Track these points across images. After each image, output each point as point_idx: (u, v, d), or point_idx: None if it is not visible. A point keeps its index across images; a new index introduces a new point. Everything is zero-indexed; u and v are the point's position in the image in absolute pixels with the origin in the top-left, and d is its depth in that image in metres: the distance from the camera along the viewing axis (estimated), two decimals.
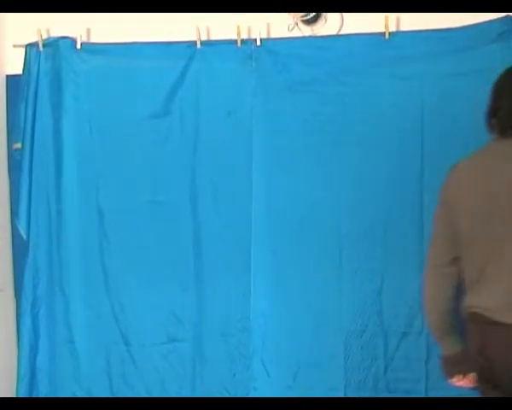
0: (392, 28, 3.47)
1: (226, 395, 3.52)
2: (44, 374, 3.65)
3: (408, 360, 3.43)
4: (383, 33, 3.44)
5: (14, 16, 3.70)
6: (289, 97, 3.52)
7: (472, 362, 2.53)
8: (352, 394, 3.42)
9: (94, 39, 3.69)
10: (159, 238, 3.60)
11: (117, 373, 3.63)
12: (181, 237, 3.59)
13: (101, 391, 3.61)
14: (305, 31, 3.58)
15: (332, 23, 3.57)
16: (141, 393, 3.59)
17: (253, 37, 3.55)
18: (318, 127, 3.50)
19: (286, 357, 3.51)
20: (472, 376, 2.60)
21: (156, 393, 3.58)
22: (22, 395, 3.60)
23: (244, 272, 3.51)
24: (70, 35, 3.64)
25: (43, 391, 3.64)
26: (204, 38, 3.60)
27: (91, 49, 3.64)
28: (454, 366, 2.63)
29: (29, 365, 3.63)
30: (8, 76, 3.76)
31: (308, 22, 3.56)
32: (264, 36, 3.57)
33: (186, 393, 3.56)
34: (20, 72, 3.66)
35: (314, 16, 3.54)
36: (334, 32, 3.56)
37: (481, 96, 3.38)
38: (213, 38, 3.62)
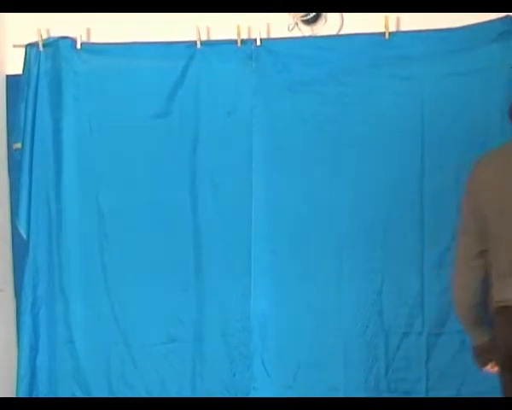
0: (392, 28, 3.47)
1: (226, 394, 3.52)
2: (44, 374, 3.65)
3: (408, 360, 3.43)
4: (383, 33, 3.44)
5: (14, 16, 3.70)
6: (289, 97, 3.52)
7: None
8: (352, 394, 3.42)
9: (94, 39, 3.69)
10: (159, 238, 3.59)
11: (117, 373, 3.63)
12: (181, 237, 3.59)
13: (101, 391, 3.61)
14: (305, 31, 3.58)
15: (332, 23, 3.57)
16: (141, 393, 3.58)
17: (253, 37, 3.55)
18: (318, 127, 3.50)
19: (286, 357, 3.51)
20: None
21: (156, 393, 3.58)
22: (22, 395, 3.60)
23: (244, 272, 3.52)
24: (70, 35, 3.64)
25: (43, 391, 3.64)
26: (204, 38, 3.60)
27: (91, 49, 3.64)
28: (483, 354, 2.65)
29: (29, 365, 3.63)
30: (8, 76, 3.76)
31: (308, 22, 3.56)
32: (264, 36, 3.58)
33: (186, 393, 3.56)
34: (20, 72, 3.66)
35: (314, 16, 3.54)
36: (334, 32, 3.57)
37: (481, 95, 3.41)
38: (213, 38, 3.63)
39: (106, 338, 3.62)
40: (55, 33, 3.66)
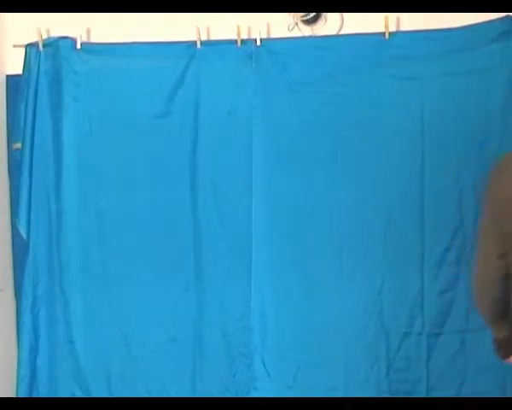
0: (392, 28, 3.47)
1: (226, 394, 3.52)
2: (44, 374, 3.65)
3: (409, 360, 3.43)
4: (383, 33, 3.44)
5: (14, 16, 3.70)
6: (289, 97, 3.52)
7: None
8: (352, 394, 3.42)
9: (94, 39, 3.69)
10: (159, 238, 3.59)
11: (117, 373, 3.63)
12: (181, 237, 3.59)
13: (101, 391, 3.61)
14: (305, 31, 3.58)
15: (332, 23, 3.58)
16: (141, 393, 3.58)
17: (253, 37, 3.55)
18: (318, 127, 3.50)
19: (286, 357, 3.51)
20: None
21: (156, 393, 3.58)
22: (22, 395, 3.60)
23: (244, 272, 3.52)
24: (70, 35, 3.63)
25: (43, 391, 3.64)
26: (204, 38, 3.60)
27: (91, 49, 3.64)
28: (504, 347, 2.71)
29: (29, 365, 3.62)
30: (8, 76, 3.76)
31: (308, 22, 3.56)
32: (264, 36, 3.58)
33: (186, 393, 3.56)
34: (20, 72, 3.66)
35: (314, 16, 3.54)
36: (334, 32, 3.57)
37: (481, 96, 3.41)
38: (213, 38, 3.63)
39: (106, 338, 3.62)
40: (55, 33, 3.66)
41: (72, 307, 3.63)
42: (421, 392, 3.40)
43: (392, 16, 3.46)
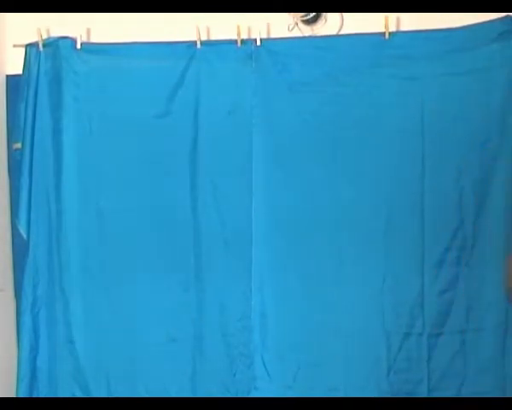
0: (392, 28, 3.48)
1: (226, 394, 3.52)
2: (44, 374, 3.64)
3: (410, 361, 3.43)
4: (383, 33, 3.44)
5: (14, 16, 3.70)
6: (289, 97, 3.52)
7: None
8: (352, 394, 3.41)
9: (94, 39, 3.69)
10: (159, 238, 3.59)
11: (117, 373, 3.62)
12: (181, 237, 3.58)
13: (100, 391, 3.61)
14: (305, 31, 3.58)
15: (332, 23, 3.58)
16: (141, 393, 3.58)
17: (253, 37, 3.55)
18: (318, 127, 3.50)
19: (286, 357, 3.51)
20: None
21: (156, 393, 3.57)
22: (22, 395, 3.59)
23: (244, 272, 3.51)
24: (70, 35, 3.63)
25: (43, 391, 3.63)
26: (204, 38, 3.60)
27: (91, 49, 3.64)
28: None
29: (29, 365, 3.62)
30: (8, 76, 3.76)
31: (308, 22, 3.56)
32: (264, 36, 3.58)
33: (186, 393, 3.55)
34: (20, 72, 3.65)
35: (314, 16, 3.55)
36: (334, 32, 3.57)
37: (481, 95, 3.41)
38: (213, 38, 3.63)
39: (106, 338, 3.62)
40: (55, 33, 3.66)
41: (72, 307, 3.63)
42: (422, 393, 3.40)
43: (392, 16, 3.47)
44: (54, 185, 3.63)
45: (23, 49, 3.63)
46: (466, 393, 3.37)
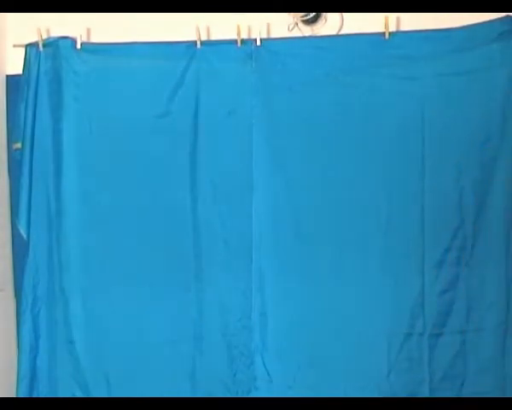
0: (392, 28, 3.48)
1: (227, 394, 3.52)
2: (44, 374, 3.64)
3: (411, 361, 3.42)
4: (383, 33, 3.44)
5: (14, 16, 3.70)
6: (289, 97, 3.52)
7: None
8: (352, 394, 3.41)
9: (94, 39, 3.69)
10: (159, 238, 3.59)
11: (117, 373, 3.62)
12: (181, 237, 3.58)
13: (100, 391, 3.60)
14: (305, 31, 3.59)
15: (332, 23, 3.58)
16: (141, 393, 3.56)
17: (253, 37, 3.56)
18: (318, 127, 3.50)
19: (286, 357, 3.50)
20: None
21: (156, 393, 3.57)
22: (22, 395, 3.59)
23: (244, 272, 3.51)
24: (70, 35, 3.63)
25: (43, 391, 3.63)
26: (204, 38, 3.60)
27: (91, 49, 3.64)
28: None
29: (29, 365, 3.62)
30: (8, 76, 3.76)
31: (308, 22, 3.57)
32: (264, 36, 3.58)
33: (186, 393, 3.55)
34: (20, 72, 3.65)
35: (314, 16, 3.55)
36: (334, 32, 3.57)
37: (481, 95, 3.42)
38: (213, 38, 3.63)
39: (106, 338, 3.62)
40: (55, 33, 3.66)
41: (72, 307, 3.62)
42: (423, 393, 3.40)
43: (392, 16, 3.47)
44: (54, 185, 3.63)
45: (23, 49, 3.63)
46: (466, 393, 3.37)
